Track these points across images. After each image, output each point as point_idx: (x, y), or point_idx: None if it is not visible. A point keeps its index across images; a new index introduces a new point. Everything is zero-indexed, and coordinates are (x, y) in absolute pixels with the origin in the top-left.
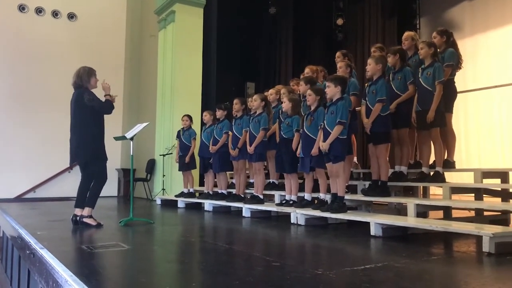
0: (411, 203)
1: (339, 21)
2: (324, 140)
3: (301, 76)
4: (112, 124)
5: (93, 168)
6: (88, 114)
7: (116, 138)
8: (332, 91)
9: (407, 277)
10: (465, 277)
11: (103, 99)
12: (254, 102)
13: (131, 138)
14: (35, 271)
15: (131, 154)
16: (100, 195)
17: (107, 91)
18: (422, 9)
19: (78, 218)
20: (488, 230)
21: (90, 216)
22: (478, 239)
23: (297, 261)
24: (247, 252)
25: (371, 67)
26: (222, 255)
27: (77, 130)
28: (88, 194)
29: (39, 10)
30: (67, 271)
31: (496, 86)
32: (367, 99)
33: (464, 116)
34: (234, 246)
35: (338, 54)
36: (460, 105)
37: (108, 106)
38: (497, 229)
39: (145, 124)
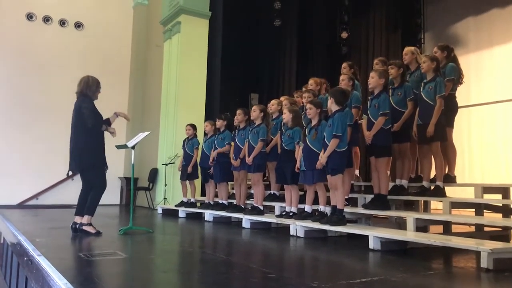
0: (410, 217)
1: (344, 35)
2: (324, 153)
3: (304, 88)
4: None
5: (91, 176)
6: (83, 120)
7: (118, 147)
8: (331, 104)
9: None
10: None
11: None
12: (253, 113)
13: (133, 147)
14: (32, 278)
15: (132, 163)
16: (103, 203)
17: (120, 115)
18: (427, 23)
19: (77, 225)
20: (486, 246)
21: (90, 224)
22: (477, 254)
23: (293, 273)
24: (243, 263)
25: (374, 80)
26: (219, 266)
27: (74, 138)
28: (87, 202)
29: (46, 19)
30: (62, 278)
31: (500, 101)
32: (369, 112)
33: (468, 131)
34: (231, 257)
35: (344, 65)
36: (464, 119)
37: (96, 121)
38: (496, 245)
39: (146, 133)
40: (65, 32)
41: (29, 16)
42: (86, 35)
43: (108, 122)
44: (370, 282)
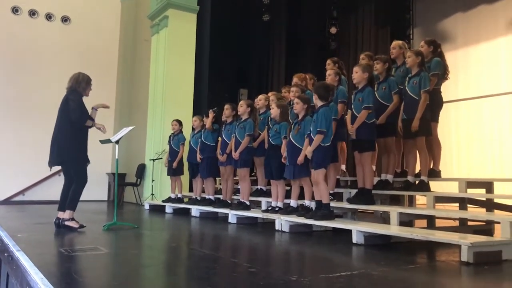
0: (394, 212)
1: (333, 30)
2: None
3: (293, 83)
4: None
5: (72, 170)
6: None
7: (102, 141)
8: (315, 99)
9: (381, 285)
10: (438, 286)
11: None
12: (240, 108)
13: (117, 142)
14: (12, 274)
15: (116, 158)
16: (90, 199)
17: (98, 107)
18: (416, 19)
19: (60, 221)
20: (467, 240)
21: (72, 219)
22: (459, 248)
23: (274, 268)
24: (225, 257)
25: (358, 75)
26: (201, 261)
27: (58, 130)
28: (69, 197)
29: (32, 13)
30: (38, 273)
31: (486, 96)
32: (353, 106)
33: (456, 126)
34: (214, 252)
35: (328, 61)
36: (451, 114)
37: (81, 115)
38: (476, 238)
39: (130, 128)
40: (52, 26)
41: (15, 10)
42: (73, 29)
43: (92, 119)
44: (349, 276)
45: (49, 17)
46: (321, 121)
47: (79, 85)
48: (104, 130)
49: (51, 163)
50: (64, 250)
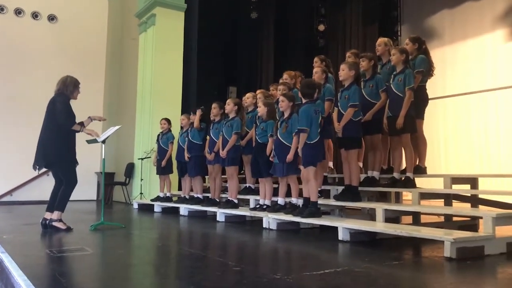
0: (379, 208)
1: (321, 27)
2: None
3: (280, 81)
4: (92, 126)
5: (61, 172)
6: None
7: (88, 141)
8: (302, 97)
9: (363, 282)
10: (420, 281)
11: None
12: (227, 106)
13: (103, 141)
14: None
15: (103, 157)
16: (79, 199)
17: (95, 118)
18: (403, 16)
19: (47, 222)
20: (450, 236)
21: (60, 220)
22: (443, 244)
23: (258, 266)
24: (211, 256)
25: (344, 72)
26: (186, 260)
27: (45, 132)
28: (58, 198)
29: (18, 11)
30: (22, 275)
31: (473, 92)
32: (339, 104)
33: (443, 122)
34: (200, 251)
35: (316, 59)
36: (439, 111)
37: (66, 118)
38: (459, 234)
39: (116, 127)
40: (38, 25)
41: (0, 9)
42: (60, 28)
43: (83, 125)
44: (332, 273)
45: (35, 15)
46: (301, 119)
47: (67, 88)
48: (95, 135)
49: (37, 165)
50: (50, 251)
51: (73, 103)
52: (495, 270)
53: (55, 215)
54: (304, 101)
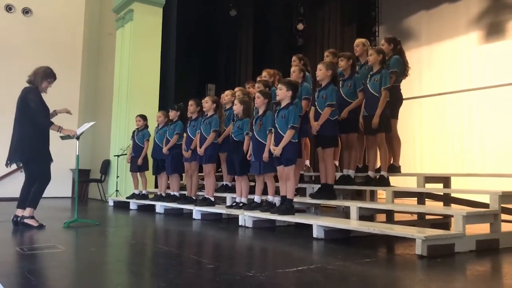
0: (353, 206)
1: (300, 26)
2: (276, 144)
3: (258, 79)
4: (67, 123)
5: (35, 168)
6: (30, 112)
7: (62, 138)
8: (283, 94)
9: (335, 279)
10: (390, 279)
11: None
12: (205, 104)
13: (77, 138)
14: None
15: (77, 154)
16: (53, 195)
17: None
18: (381, 17)
19: (19, 219)
20: (421, 234)
21: (32, 217)
22: (415, 242)
23: (232, 263)
24: (184, 254)
25: (322, 72)
26: (159, 258)
27: (19, 129)
28: (30, 195)
29: None
30: None
31: (448, 93)
32: (316, 103)
33: (419, 122)
34: (175, 249)
35: (294, 58)
36: (415, 111)
37: (42, 119)
38: (431, 232)
39: (91, 123)
40: (12, 18)
41: None
42: (35, 21)
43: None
44: (306, 270)
45: (9, 8)
46: (294, 116)
47: (35, 76)
48: (73, 135)
49: (11, 161)
50: (20, 249)
51: (48, 98)
52: (464, 267)
53: (27, 212)
54: (287, 100)
